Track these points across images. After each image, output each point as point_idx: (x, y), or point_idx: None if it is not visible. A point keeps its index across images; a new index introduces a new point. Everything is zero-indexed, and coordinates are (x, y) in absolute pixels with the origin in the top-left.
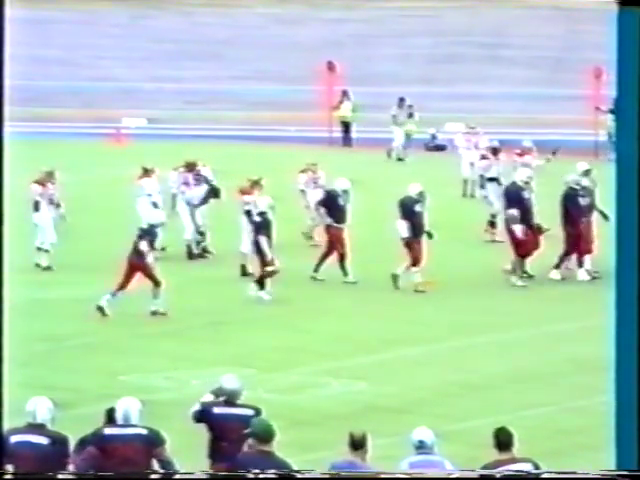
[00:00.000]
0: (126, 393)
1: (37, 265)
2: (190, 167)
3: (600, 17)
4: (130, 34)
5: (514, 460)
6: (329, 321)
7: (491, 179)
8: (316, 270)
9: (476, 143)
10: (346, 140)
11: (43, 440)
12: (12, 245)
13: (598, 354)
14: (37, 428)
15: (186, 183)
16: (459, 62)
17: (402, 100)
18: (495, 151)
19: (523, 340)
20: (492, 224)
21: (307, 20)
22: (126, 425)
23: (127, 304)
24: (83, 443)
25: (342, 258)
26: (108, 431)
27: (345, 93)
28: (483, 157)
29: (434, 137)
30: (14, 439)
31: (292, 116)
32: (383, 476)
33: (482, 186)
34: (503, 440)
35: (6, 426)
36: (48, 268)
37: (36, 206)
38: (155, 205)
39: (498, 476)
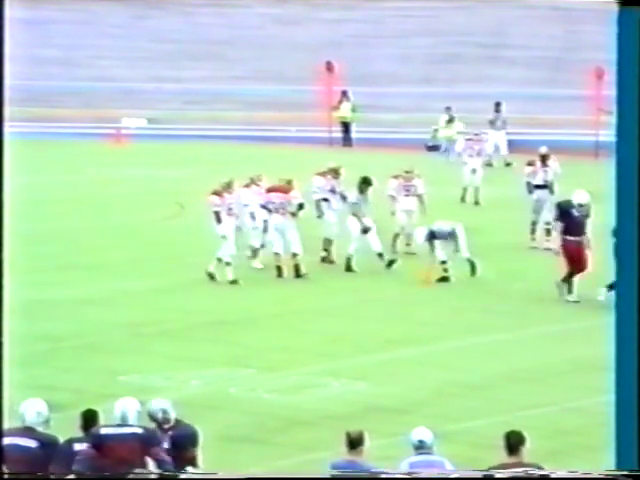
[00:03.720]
0: (126, 393)
1: (209, 274)
2: (335, 172)
3: (600, 17)
4: (130, 34)
5: (521, 464)
6: (329, 321)
7: (538, 186)
8: (570, 292)
9: (479, 150)
10: (346, 140)
11: (31, 443)
12: (11, 246)
13: (598, 354)
14: (26, 431)
15: (332, 190)
16: (459, 62)
17: (498, 105)
18: (544, 158)
19: (523, 340)
20: (533, 231)
21: (307, 20)
22: (122, 425)
23: (127, 304)
24: (70, 442)
25: (571, 275)
26: (104, 430)
27: (344, 93)
28: (529, 164)
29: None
30: (3, 442)
31: (292, 116)
32: (383, 476)
33: (530, 192)
34: (512, 442)
35: (6, 426)
36: (234, 282)
37: (218, 217)
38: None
39: (498, 476)
